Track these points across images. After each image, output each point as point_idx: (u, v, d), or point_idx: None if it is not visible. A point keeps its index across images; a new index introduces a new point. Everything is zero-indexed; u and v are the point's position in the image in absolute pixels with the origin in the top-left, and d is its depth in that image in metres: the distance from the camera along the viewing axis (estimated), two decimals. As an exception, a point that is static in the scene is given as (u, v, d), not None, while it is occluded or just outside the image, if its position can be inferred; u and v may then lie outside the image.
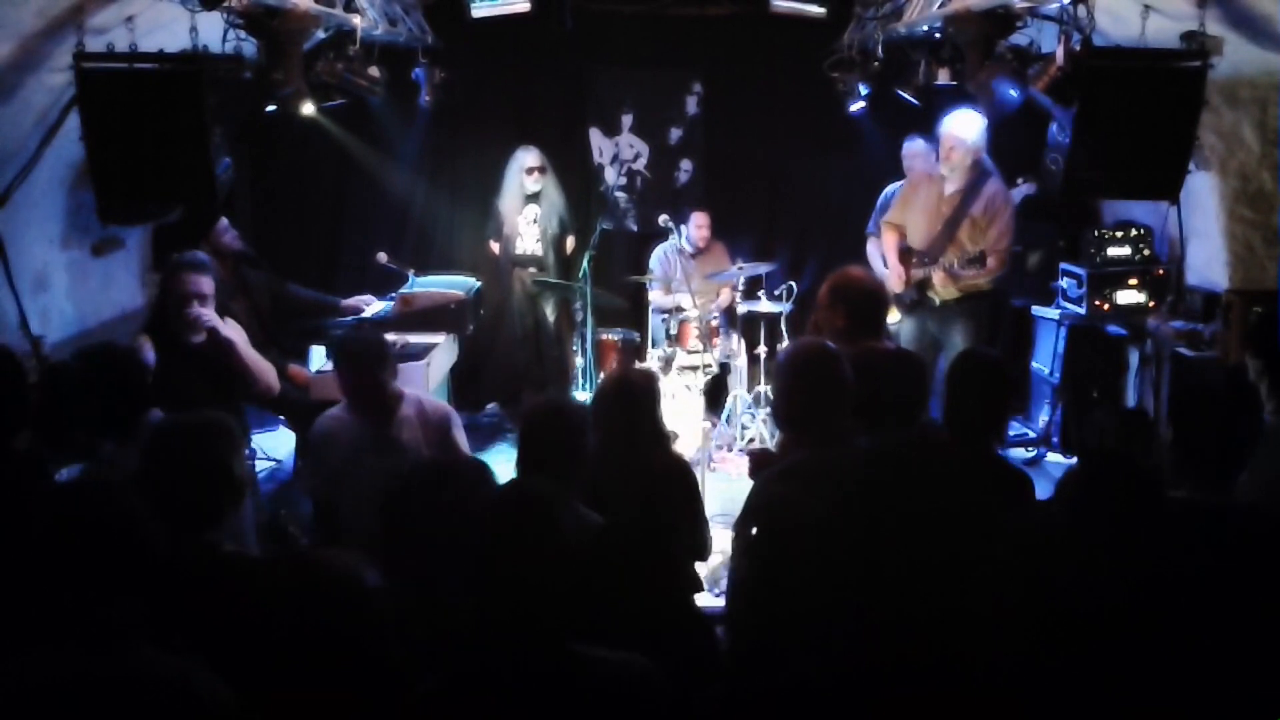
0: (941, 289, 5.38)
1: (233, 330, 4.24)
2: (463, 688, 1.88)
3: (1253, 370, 3.25)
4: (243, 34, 4.26)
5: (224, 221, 5.29)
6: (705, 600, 3.52)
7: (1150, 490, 2.31)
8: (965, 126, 5.34)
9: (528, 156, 6.69)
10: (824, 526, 2.40)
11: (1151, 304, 5.63)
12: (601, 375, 6.38)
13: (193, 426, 2.56)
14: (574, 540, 1.98)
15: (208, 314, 4.13)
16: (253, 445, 2.83)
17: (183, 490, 2.44)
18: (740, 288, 6.57)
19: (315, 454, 3.62)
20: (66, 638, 1.85)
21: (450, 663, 1.91)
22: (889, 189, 6.38)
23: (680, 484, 3.35)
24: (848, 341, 3.67)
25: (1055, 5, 4.30)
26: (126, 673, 1.83)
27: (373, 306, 5.84)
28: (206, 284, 4.16)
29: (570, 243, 6.99)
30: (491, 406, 7.31)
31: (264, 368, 4.27)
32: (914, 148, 6.15)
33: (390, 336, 5.38)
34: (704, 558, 3.45)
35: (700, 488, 3.51)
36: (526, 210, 6.79)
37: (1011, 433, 6.42)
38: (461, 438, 3.67)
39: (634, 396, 3.33)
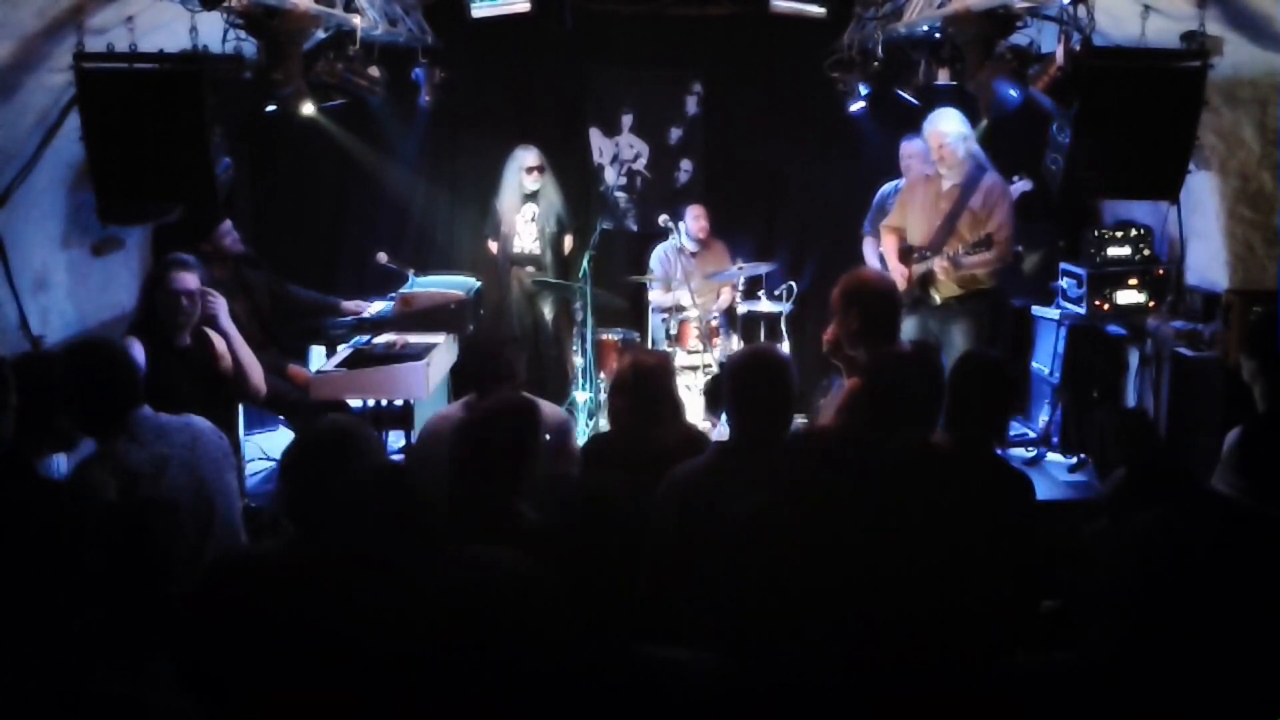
0: (942, 283, 5.37)
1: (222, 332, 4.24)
2: (521, 685, 1.86)
3: (1246, 371, 3.24)
4: (243, 34, 4.27)
5: (227, 223, 5.30)
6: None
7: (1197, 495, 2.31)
8: (946, 122, 5.36)
9: (527, 156, 6.69)
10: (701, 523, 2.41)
11: (1151, 304, 5.62)
12: (611, 368, 6.40)
13: (335, 434, 2.50)
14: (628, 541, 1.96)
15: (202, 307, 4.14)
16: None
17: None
18: (740, 288, 6.56)
19: (420, 450, 3.61)
20: (19, 655, 1.77)
21: (512, 660, 1.90)
22: (884, 189, 6.38)
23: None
24: (865, 344, 3.69)
25: (1055, 5, 4.30)
26: (76, 694, 1.75)
27: (373, 307, 5.84)
28: (192, 281, 4.16)
29: (569, 242, 6.99)
30: (491, 406, 7.30)
31: (252, 365, 4.27)
32: (912, 147, 6.14)
33: (390, 336, 5.43)
34: None
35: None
36: (524, 209, 6.79)
37: (1011, 433, 6.42)
38: (574, 445, 3.71)
39: (652, 378, 3.38)
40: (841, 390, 3.71)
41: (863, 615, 2.08)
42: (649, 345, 6.69)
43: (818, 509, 2.10)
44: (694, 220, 6.79)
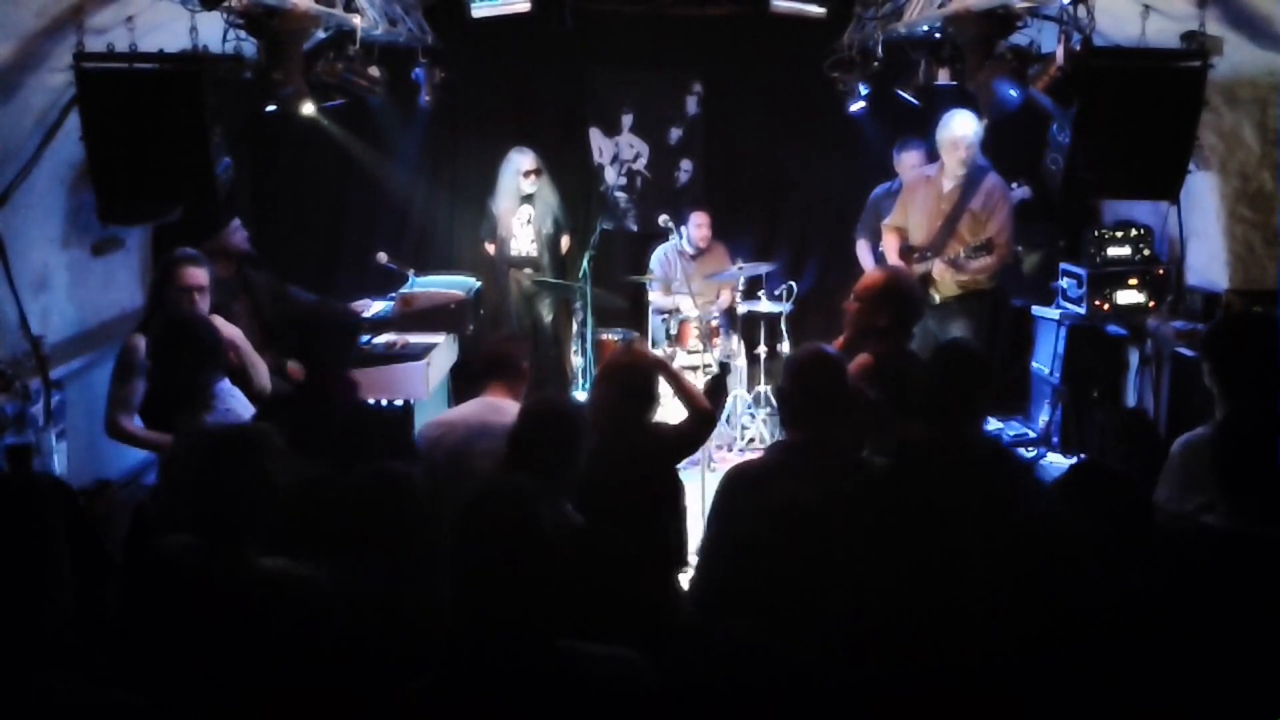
0: (941, 283, 5.38)
1: (230, 329, 4.25)
2: (451, 686, 1.87)
3: (1205, 374, 3.22)
4: (243, 34, 4.26)
5: (236, 221, 5.31)
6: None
7: (1135, 499, 2.32)
8: (962, 125, 5.37)
9: (524, 160, 6.67)
10: (774, 521, 2.44)
11: (1151, 304, 5.62)
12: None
13: (228, 436, 2.54)
14: (555, 539, 1.97)
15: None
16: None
17: (217, 501, 2.40)
18: (740, 288, 6.57)
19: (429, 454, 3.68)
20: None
21: (438, 661, 1.91)
22: (876, 191, 6.39)
23: (664, 483, 3.36)
24: (881, 340, 3.76)
25: (1055, 5, 4.30)
26: (38, 703, 1.73)
27: (373, 307, 5.84)
28: (203, 276, 4.18)
29: (566, 242, 6.99)
30: (491, 406, 7.31)
31: (259, 365, 4.28)
32: (908, 158, 6.14)
33: (390, 336, 5.43)
34: (682, 560, 3.42)
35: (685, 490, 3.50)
36: (521, 211, 6.78)
37: (1011, 433, 6.42)
38: None
39: (625, 384, 3.35)
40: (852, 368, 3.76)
41: (879, 611, 2.09)
42: (649, 345, 6.69)
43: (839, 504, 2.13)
44: (696, 228, 6.79)
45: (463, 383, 4.64)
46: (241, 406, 3.66)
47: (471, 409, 3.71)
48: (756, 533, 2.27)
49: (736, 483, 2.96)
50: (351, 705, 2.06)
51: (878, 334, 3.85)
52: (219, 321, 4.21)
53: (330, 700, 2.08)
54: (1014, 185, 5.94)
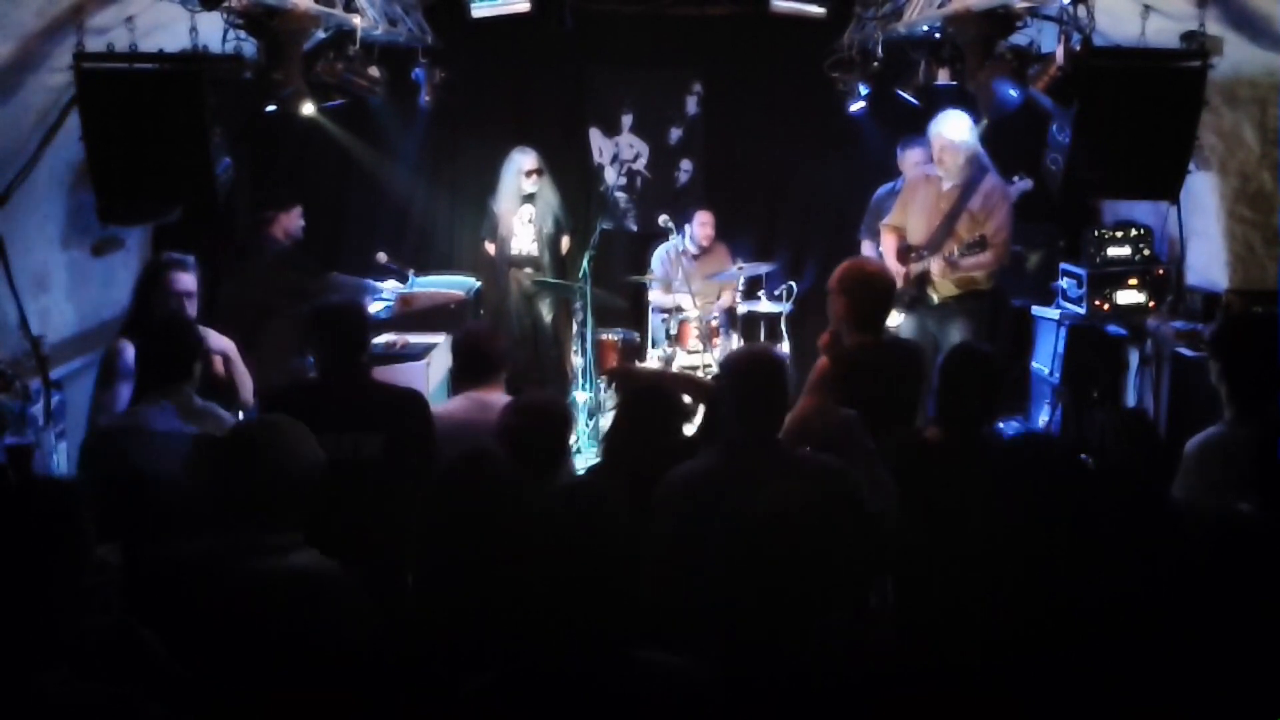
0: (939, 283, 5.38)
1: (223, 341, 4.23)
2: (512, 686, 1.85)
3: (1213, 373, 3.22)
4: (243, 34, 4.27)
5: (299, 208, 5.63)
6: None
7: (1147, 496, 2.31)
8: (953, 129, 5.35)
9: (525, 159, 6.68)
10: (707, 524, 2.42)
11: (1151, 304, 5.62)
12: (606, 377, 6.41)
13: (248, 429, 2.50)
14: (636, 544, 1.95)
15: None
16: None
17: (241, 495, 2.36)
18: (740, 288, 6.57)
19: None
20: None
21: (502, 661, 1.89)
22: (879, 192, 6.39)
23: None
24: (848, 331, 3.75)
25: (1055, 5, 4.30)
26: (45, 702, 1.74)
27: (373, 306, 5.85)
28: (191, 282, 4.17)
29: (566, 242, 6.99)
30: (491, 406, 7.30)
31: (246, 381, 4.27)
32: (910, 155, 6.14)
33: (390, 336, 5.43)
34: None
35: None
36: (522, 211, 6.78)
37: (1011, 433, 6.42)
38: None
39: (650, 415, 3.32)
40: (814, 370, 3.77)
41: (885, 614, 2.08)
42: (649, 345, 6.69)
43: (837, 504, 2.09)
44: (700, 226, 6.80)
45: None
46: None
47: (457, 406, 3.66)
48: (727, 543, 2.24)
49: (679, 492, 2.83)
50: (372, 704, 2.05)
51: (847, 326, 3.84)
52: (211, 333, 4.20)
53: (350, 699, 2.07)
54: (1014, 179, 5.94)
